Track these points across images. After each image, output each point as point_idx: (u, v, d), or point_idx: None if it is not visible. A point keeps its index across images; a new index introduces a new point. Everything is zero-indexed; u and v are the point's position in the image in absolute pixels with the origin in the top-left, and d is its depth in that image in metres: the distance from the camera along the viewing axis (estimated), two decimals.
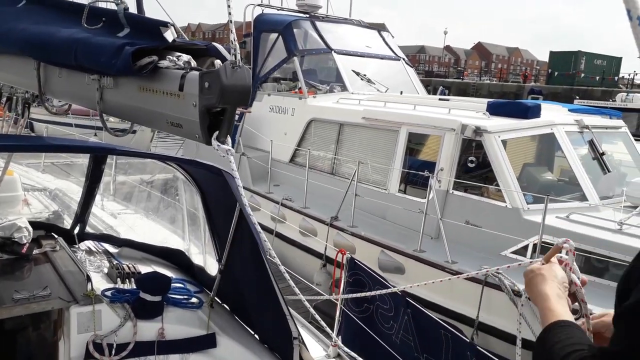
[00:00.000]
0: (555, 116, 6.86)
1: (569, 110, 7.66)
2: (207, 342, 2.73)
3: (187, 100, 1.64)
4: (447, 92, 28.83)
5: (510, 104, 7.18)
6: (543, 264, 1.29)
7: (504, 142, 6.13)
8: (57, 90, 2.47)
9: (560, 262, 1.28)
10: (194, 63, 1.77)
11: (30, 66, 2.47)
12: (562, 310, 1.15)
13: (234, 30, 1.43)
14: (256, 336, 2.83)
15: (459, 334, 3.17)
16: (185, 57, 1.76)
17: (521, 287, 1.37)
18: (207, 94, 1.56)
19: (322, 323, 2.56)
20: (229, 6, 1.39)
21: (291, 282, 2.44)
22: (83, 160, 4.25)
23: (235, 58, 1.52)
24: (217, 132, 1.62)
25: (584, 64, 39.60)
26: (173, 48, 1.82)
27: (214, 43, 1.81)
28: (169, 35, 1.77)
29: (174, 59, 1.75)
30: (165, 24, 1.79)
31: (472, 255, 5.61)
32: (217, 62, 1.67)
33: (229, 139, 1.63)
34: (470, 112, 6.89)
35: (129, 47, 1.75)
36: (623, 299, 0.96)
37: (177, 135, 1.78)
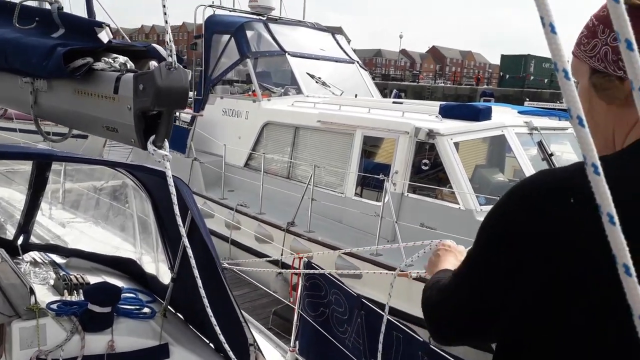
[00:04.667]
0: (505, 118, 7.05)
1: (519, 112, 7.90)
2: (159, 353, 2.66)
3: (122, 104, 1.58)
4: (402, 95, 29.29)
5: (462, 106, 7.33)
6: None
7: (457, 145, 6.25)
8: None
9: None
10: (130, 65, 1.71)
11: None
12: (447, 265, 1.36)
13: (169, 31, 1.38)
14: (211, 345, 2.78)
15: (413, 334, 3.18)
16: (122, 58, 1.70)
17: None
18: (142, 97, 1.50)
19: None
20: (164, 6, 1.34)
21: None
22: (27, 167, 4.08)
23: (172, 59, 1.46)
24: (153, 136, 1.55)
25: (533, 66, 41.05)
26: (113, 49, 1.75)
27: (153, 44, 1.75)
28: (104, 36, 1.71)
29: (110, 60, 1.69)
30: (100, 25, 1.72)
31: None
32: (152, 63, 1.62)
33: (166, 144, 1.56)
34: (423, 115, 7.00)
35: (61, 48, 1.68)
36: None
37: (113, 139, 1.72)
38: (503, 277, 0.88)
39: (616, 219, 0.48)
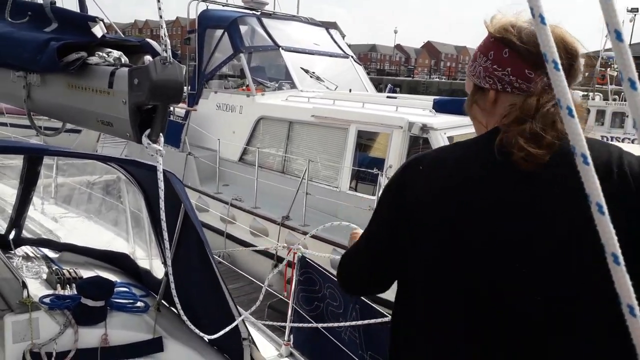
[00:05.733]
0: None
1: None
2: (153, 346, 2.66)
3: (117, 98, 1.58)
4: (398, 90, 29.31)
5: (455, 101, 7.35)
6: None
7: (450, 139, 6.27)
8: None
9: None
10: (125, 59, 1.70)
11: None
12: None
13: (164, 26, 1.37)
14: (205, 338, 2.78)
15: None
16: (116, 53, 1.69)
17: None
18: (137, 91, 1.50)
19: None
20: (159, 1, 1.33)
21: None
22: (18, 161, 4.06)
23: (167, 54, 1.46)
24: (148, 130, 1.56)
25: None
26: (107, 44, 1.74)
27: (147, 39, 1.74)
28: (98, 31, 1.69)
29: (104, 55, 1.68)
30: (94, 19, 1.71)
31: None
32: (147, 58, 1.61)
33: (161, 138, 1.56)
34: (417, 110, 7.02)
35: (55, 42, 1.67)
36: None
37: (108, 134, 1.72)
38: (389, 228, 1.21)
39: (605, 208, 0.48)
